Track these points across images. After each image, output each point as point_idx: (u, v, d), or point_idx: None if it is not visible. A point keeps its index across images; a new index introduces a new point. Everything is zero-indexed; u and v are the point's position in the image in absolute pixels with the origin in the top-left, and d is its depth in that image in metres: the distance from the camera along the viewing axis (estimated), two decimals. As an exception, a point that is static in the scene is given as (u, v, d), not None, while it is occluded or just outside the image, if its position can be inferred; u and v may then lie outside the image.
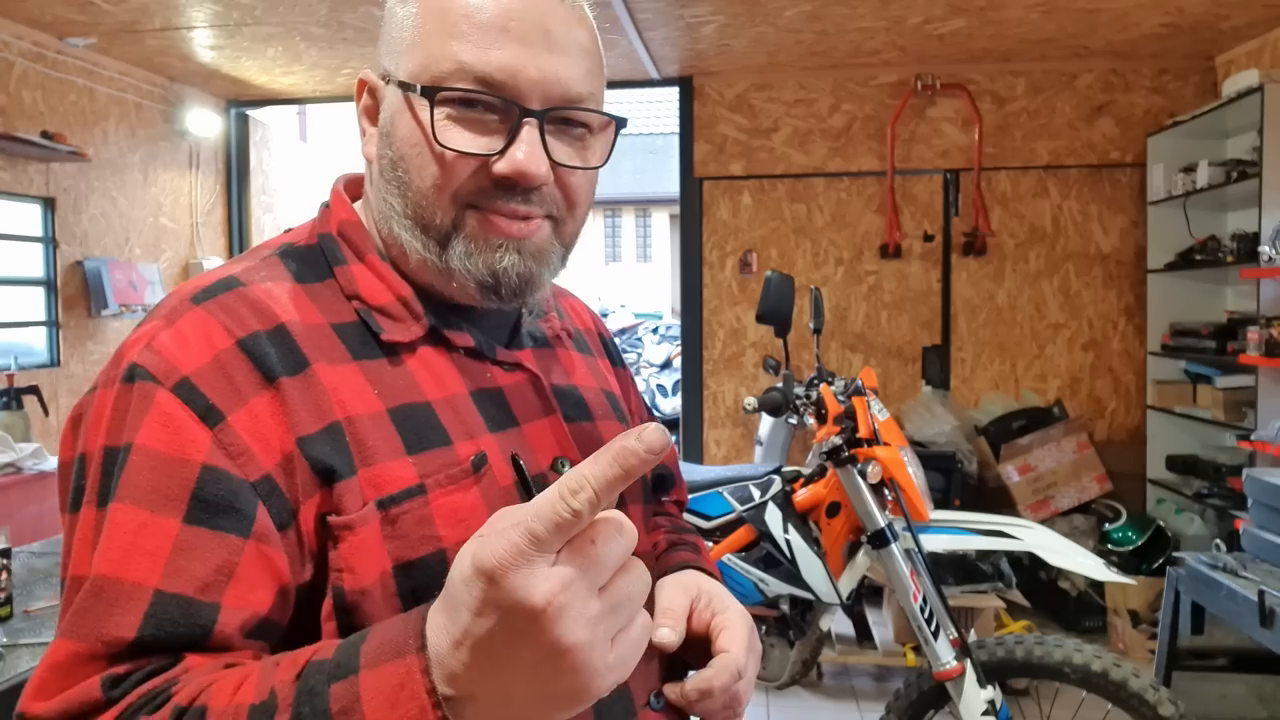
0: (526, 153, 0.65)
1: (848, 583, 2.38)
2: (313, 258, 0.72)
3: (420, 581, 0.62)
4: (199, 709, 0.52)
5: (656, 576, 0.79)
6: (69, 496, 0.62)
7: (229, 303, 0.65)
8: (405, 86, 0.67)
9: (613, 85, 4.51)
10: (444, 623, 0.48)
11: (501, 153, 0.66)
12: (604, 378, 0.88)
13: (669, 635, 0.70)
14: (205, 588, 0.57)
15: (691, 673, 0.78)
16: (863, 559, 2.35)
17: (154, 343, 0.62)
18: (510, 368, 0.75)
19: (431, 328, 0.71)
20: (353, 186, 0.78)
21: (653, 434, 0.45)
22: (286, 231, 0.77)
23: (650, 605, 0.73)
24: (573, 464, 0.63)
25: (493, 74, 0.65)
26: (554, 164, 0.67)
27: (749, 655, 0.75)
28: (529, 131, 0.66)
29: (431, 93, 0.65)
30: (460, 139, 0.66)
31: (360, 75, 0.73)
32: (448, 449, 0.66)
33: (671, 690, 0.75)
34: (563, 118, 0.68)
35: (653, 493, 0.94)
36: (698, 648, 0.76)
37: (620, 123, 0.72)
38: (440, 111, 0.66)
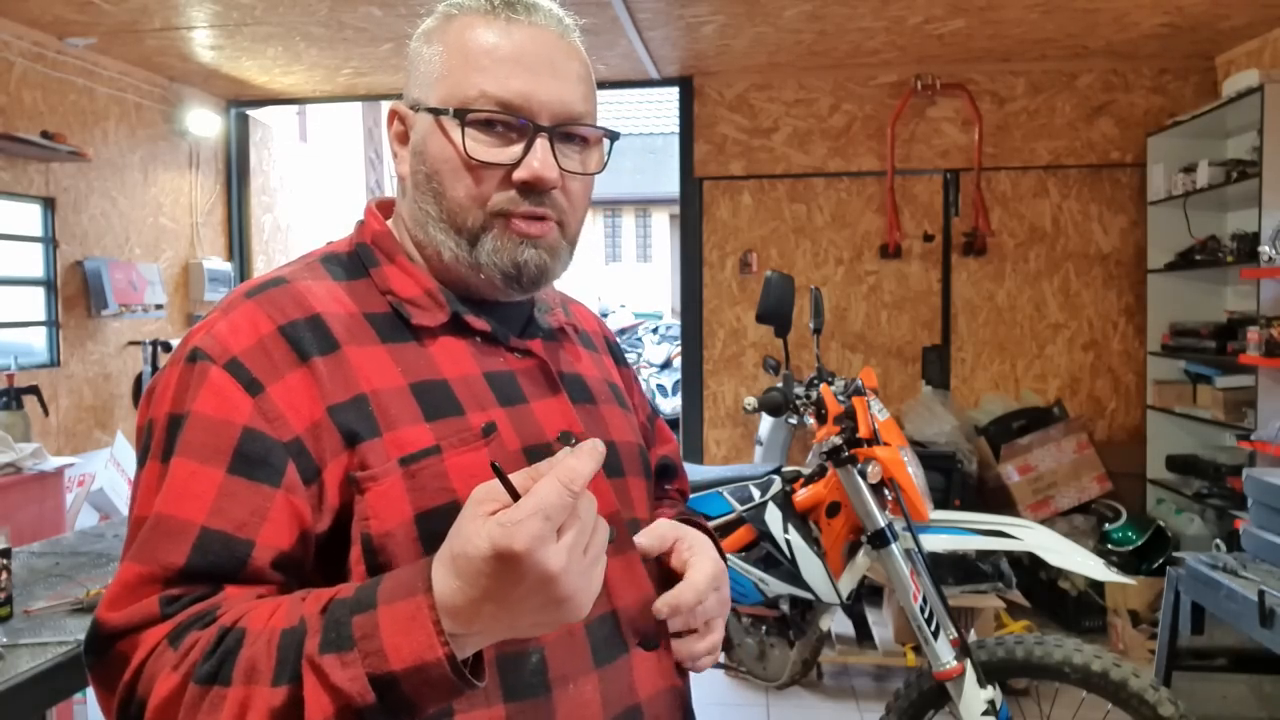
0: (541, 160, 0.78)
1: (848, 583, 2.37)
2: (351, 262, 0.85)
3: (437, 526, 0.70)
4: (240, 630, 0.64)
5: None
6: (139, 454, 0.74)
7: (275, 296, 0.78)
8: (436, 111, 0.80)
9: (613, 85, 4.52)
10: (460, 585, 0.60)
11: (520, 162, 0.78)
12: (608, 371, 0.99)
13: (644, 540, 0.85)
14: (242, 526, 0.69)
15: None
16: (863, 559, 2.35)
17: (212, 330, 0.75)
18: (522, 354, 0.86)
19: (454, 315, 0.82)
20: (383, 207, 0.91)
21: (599, 444, 0.63)
22: (329, 243, 0.90)
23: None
24: (577, 438, 0.81)
25: (510, 98, 0.78)
26: (561, 171, 0.80)
27: (713, 589, 0.86)
28: (541, 144, 0.79)
29: (462, 114, 0.78)
30: (486, 152, 0.79)
31: (391, 106, 0.86)
32: (461, 418, 0.77)
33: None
34: (566, 133, 0.81)
35: (657, 481, 1.04)
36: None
37: (614, 136, 0.85)
38: (468, 131, 0.78)
